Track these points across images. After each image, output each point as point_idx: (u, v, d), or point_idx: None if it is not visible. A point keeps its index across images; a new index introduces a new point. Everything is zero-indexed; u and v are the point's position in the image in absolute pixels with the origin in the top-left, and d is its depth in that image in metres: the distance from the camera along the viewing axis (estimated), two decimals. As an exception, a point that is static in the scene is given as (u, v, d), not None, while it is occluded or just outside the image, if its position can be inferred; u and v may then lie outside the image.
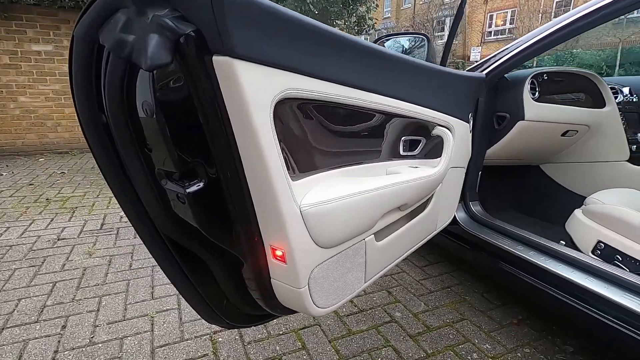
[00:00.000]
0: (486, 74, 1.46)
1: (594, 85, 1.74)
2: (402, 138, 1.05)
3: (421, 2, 25.00)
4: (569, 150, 1.90)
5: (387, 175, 0.95)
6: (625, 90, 1.90)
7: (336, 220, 0.72)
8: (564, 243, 1.41)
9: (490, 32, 20.75)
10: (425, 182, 0.99)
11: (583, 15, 1.19)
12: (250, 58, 0.53)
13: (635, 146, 1.77)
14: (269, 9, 0.54)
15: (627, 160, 1.76)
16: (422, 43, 1.46)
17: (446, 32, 21.99)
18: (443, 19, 22.17)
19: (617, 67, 12.75)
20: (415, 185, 0.94)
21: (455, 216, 1.58)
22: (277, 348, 1.36)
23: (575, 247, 1.39)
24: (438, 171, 1.05)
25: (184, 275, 0.78)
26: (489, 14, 21.16)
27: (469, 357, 1.34)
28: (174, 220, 0.70)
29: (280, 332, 1.44)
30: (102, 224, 2.49)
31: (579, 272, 1.21)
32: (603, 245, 1.30)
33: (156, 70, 0.54)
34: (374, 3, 8.52)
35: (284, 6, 0.57)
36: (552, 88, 1.66)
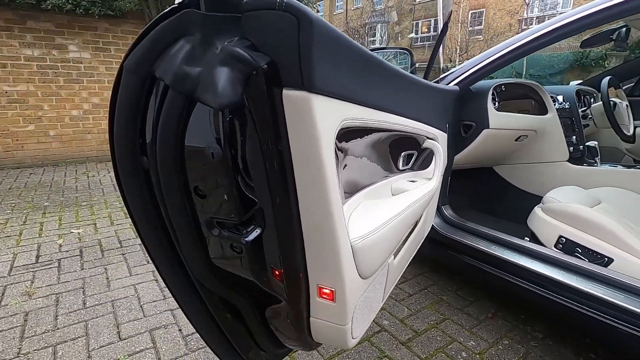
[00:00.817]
0: (456, 84, 1.55)
1: (538, 95, 1.95)
2: (402, 153, 1.07)
3: (353, 8, 26.07)
4: (518, 153, 2.10)
5: (396, 192, 0.95)
6: (560, 98, 2.17)
7: (378, 249, 0.70)
8: (528, 239, 1.55)
9: (417, 39, 22.32)
10: (430, 196, 1.02)
11: (546, 33, 1.32)
12: (324, 91, 0.48)
13: (572, 148, 2.03)
14: (341, 39, 0.50)
15: (567, 161, 2.00)
16: (405, 58, 1.51)
17: (377, 38, 23.23)
18: (375, 25, 23.32)
19: (524, 73, 14.48)
20: (425, 201, 0.96)
21: None
22: (274, 376, 1.29)
23: (538, 242, 1.54)
24: (436, 183, 1.08)
25: (213, 323, 0.69)
26: (415, 22, 22.79)
27: (459, 357, 1.41)
28: (212, 269, 0.61)
29: (274, 358, 1.36)
30: (38, 256, 2.15)
31: (550, 266, 1.35)
32: (564, 239, 1.45)
33: (225, 109, 0.46)
34: (315, 9, 8.64)
35: None
36: (506, 97, 1.83)
